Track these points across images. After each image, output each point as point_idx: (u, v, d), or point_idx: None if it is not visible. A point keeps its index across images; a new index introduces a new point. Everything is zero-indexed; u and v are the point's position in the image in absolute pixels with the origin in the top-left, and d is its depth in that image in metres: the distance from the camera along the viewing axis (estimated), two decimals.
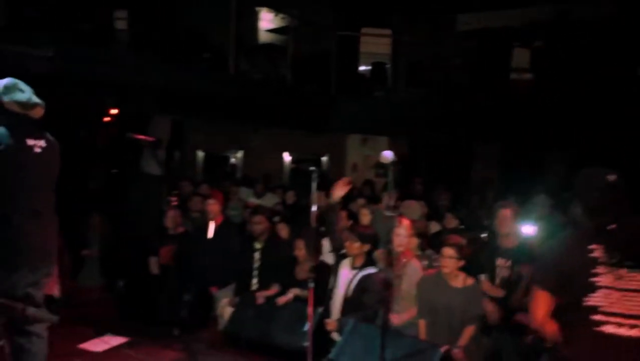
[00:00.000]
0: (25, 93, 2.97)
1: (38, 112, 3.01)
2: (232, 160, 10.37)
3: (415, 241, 4.66)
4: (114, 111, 7.90)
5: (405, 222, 4.47)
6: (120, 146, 8.53)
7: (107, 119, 8.24)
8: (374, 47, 9.98)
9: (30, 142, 2.94)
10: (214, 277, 5.48)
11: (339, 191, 4.14)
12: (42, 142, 3.00)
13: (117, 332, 5.08)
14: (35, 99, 3.00)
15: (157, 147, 6.97)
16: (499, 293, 4.18)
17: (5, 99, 2.91)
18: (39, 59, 5.29)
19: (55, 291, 5.87)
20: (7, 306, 1.98)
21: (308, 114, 8.79)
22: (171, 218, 5.81)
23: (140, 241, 6.68)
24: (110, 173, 9.50)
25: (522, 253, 4.19)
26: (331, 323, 4.36)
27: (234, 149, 10.33)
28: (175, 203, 5.31)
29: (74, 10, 6.21)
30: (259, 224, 5.40)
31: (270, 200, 7.76)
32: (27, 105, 2.94)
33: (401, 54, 10.07)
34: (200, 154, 10.21)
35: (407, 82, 10.01)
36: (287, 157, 10.44)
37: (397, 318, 4.16)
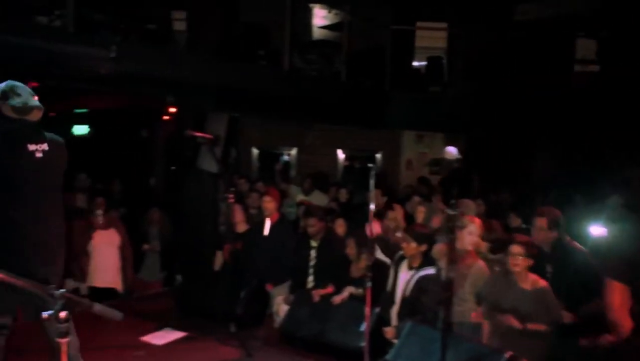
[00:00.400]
0: (22, 97, 2.89)
1: (36, 115, 2.94)
2: (286, 157, 10.42)
3: (484, 244, 4.48)
4: (172, 109, 8.10)
5: (477, 221, 4.31)
6: (179, 144, 8.73)
7: (166, 117, 8.46)
8: (430, 41, 9.76)
9: (31, 147, 2.90)
10: (270, 274, 5.51)
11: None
12: (44, 146, 2.94)
13: (175, 326, 5.20)
14: (32, 103, 2.93)
15: (215, 145, 7.07)
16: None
17: (1, 104, 2.86)
18: (103, 60, 5.47)
19: (118, 285, 6.11)
20: (74, 301, 2.01)
21: (362, 110, 8.70)
22: (238, 214, 5.83)
23: (197, 237, 6.81)
24: (170, 170, 9.76)
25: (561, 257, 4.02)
26: (389, 331, 4.27)
27: (288, 146, 10.36)
28: (232, 201, 5.35)
29: (135, 12, 6.39)
30: (312, 226, 5.40)
31: (317, 197, 7.72)
32: (23, 110, 2.88)
33: (457, 48, 9.79)
34: (255, 151, 10.31)
35: (464, 77, 9.72)
36: (340, 154, 10.38)
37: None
